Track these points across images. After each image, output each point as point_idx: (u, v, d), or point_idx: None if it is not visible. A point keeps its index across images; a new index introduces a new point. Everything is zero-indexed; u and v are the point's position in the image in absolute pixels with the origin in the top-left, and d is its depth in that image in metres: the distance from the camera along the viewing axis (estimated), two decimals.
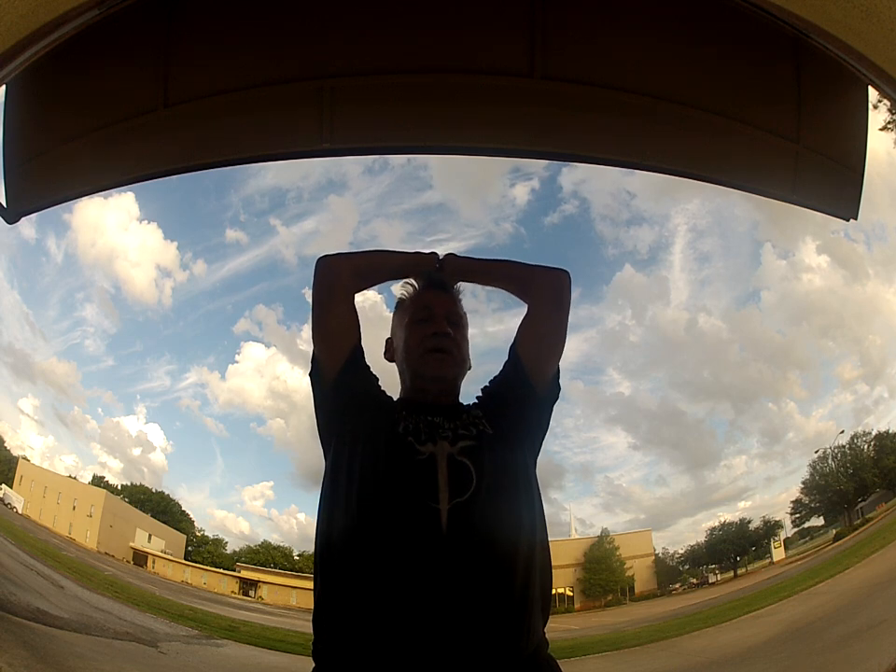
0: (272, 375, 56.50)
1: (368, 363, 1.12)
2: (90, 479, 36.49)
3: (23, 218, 2.00)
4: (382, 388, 1.12)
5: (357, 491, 0.94)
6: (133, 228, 55.18)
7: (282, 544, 40.06)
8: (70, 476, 34.53)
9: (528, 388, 1.10)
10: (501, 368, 1.15)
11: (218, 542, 39.36)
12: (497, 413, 1.08)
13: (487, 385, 1.17)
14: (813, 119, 1.88)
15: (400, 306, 1.21)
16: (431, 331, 1.10)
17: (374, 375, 1.12)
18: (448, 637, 0.82)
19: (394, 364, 1.19)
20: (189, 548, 36.92)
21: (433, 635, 0.83)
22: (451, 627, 0.83)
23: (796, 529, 30.78)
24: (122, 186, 2.62)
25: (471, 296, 1.29)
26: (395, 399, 1.13)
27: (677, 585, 32.47)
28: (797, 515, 30.82)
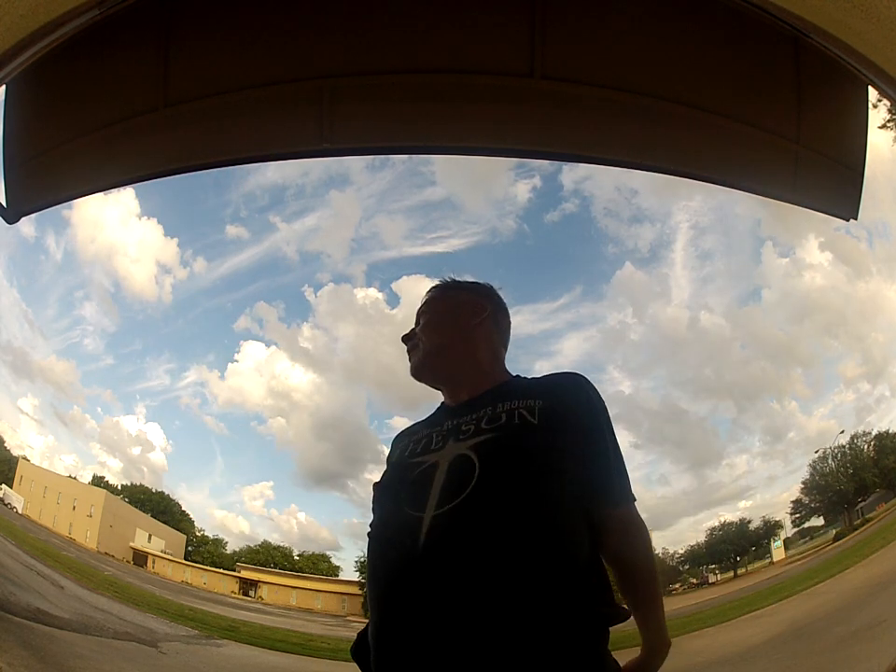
0: (271, 374, 56.47)
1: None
2: (90, 479, 36.48)
3: None
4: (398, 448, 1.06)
5: (375, 521, 0.95)
6: (133, 224, 55.15)
7: (282, 544, 40.09)
8: (70, 476, 34.51)
9: None
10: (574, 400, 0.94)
11: (218, 542, 39.36)
12: (557, 416, 0.90)
13: (561, 388, 0.96)
14: (813, 119, 1.88)
15: None
16: None
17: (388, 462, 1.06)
18: (424, 661, 0.75)
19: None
20: (189, 548, 36.90)
21: (409, 656, 0.76)
22: (426, 651, 0.75)
23: (796, 529, 30.77)
24: (122, 186, 2.62)
25: None
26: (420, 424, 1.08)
27: (677, 585, 32.47)
28: (797, 515, 30.82)
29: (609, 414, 0.97)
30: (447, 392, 1.07)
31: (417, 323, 1.13)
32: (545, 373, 1.03)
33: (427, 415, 1.08)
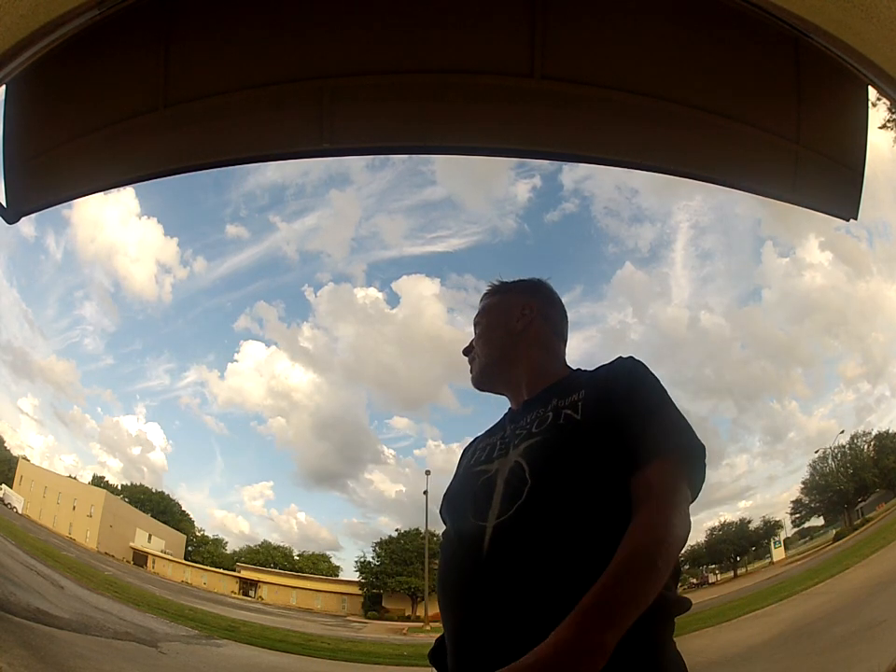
0: (271, 374, 56.44)
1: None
2: (90, 479, 36.47)
3: None
4: (467, 453, 1.09)
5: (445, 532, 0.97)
6: (133, 224, 55.00)
7: (282, 544, 40.10)
8: (70, 476, 34.51)
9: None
10: (615, 386, 0.90)
11: (218, 542, 39.37)
12: (598, 404, 0.89)
13: (602, 375, 0.95)
14: (813, 119, 1.88)
15: None
16: None
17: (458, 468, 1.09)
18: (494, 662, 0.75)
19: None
20: (189, 548, 36.91)
21: (480, 659, 0.78)
22: (495, 653, 0.75)
23: (796, 529, 30.78)
24: (122, 186, 2.63)
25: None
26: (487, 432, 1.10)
27: None
28: (797, 515, 30.84)
29: (658, 383, 0.90)
30: (510, 397, 1.09)
31: (475, 334, 1.16)
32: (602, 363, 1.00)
33: (496, 421, 1.10)
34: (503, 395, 1.11)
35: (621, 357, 0.98)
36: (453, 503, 1.00)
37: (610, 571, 0.71)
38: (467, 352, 1.16)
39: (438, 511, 1.07)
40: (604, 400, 0.88)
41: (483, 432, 1.11)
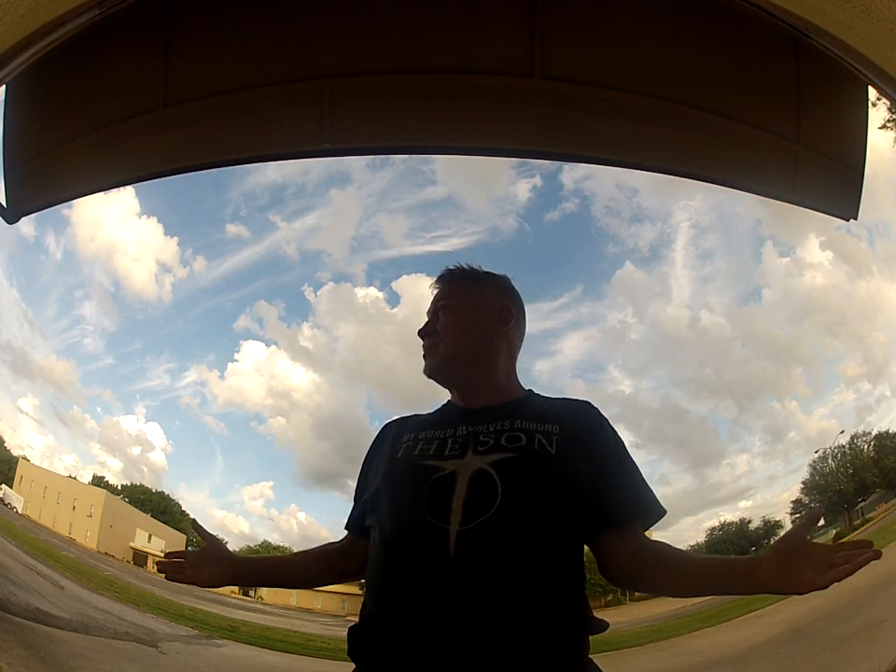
0: (271, 374, 56.39)
1: (369, 461, 1.06)
2: (90, 479, 36.44)
3: None
4: (397, 431, 1.03)
5: (383, 521, 0.91)
6: (133, 223, 54.86)
7: (282, 544, 40.05)
8: (70, 476, 34.47)
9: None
10: (595, 435, 0.95)
11: None
12: (572, 444, 0.91)
13: (577, 420, 0.95)
14: (813, 119, 1.89)
15: None
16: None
17: (377, 448, 1.05)
18: (451, 666, 0.77)
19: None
20: (190, 548, 36.68)
21: (435, 661, 0.78)
22: (454, 656, 0.77)
23: None
24: (122, 186, 2.63)
25: None
26: (424, 417, 1.04)
27: None
28: (797, 515, 30.82)
29: (623, 441, 0.97)
30: (461, 394, 1.03)
31: (435, 315, 1.04)
32: (557, 396, 1.03)
33: (432, 410, 1.05)
34: (453, 390, 1.04)
35: (588, 404, 0.99)
36: (394, 491, 0.93)
37: (702, 557, 0.98)
38: (426, 334, 1.04)
39: (359, 487, 1.03)
40: (583, 449, 0.91)
41: (411, 416, 1.06)
